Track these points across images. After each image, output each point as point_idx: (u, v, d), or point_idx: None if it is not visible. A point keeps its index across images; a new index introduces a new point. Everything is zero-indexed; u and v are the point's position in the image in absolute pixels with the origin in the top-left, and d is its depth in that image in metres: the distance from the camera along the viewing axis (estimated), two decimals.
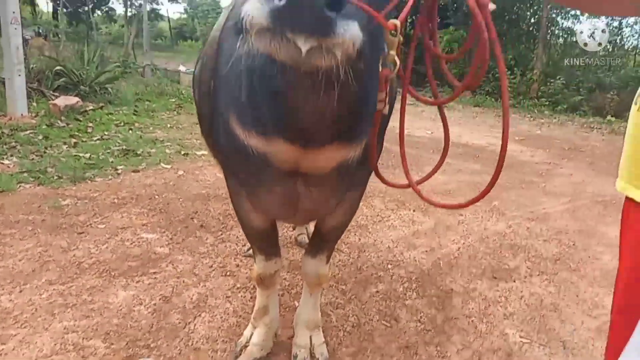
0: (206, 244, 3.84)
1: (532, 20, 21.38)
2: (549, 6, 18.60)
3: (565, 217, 5.27)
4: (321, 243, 2.48)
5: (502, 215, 5.17)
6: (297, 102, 1.58)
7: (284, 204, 2.05)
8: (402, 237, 4.33)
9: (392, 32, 1.16)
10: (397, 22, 1.16)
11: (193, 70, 2.95)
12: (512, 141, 9.89)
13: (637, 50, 19.48)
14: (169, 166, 5.96)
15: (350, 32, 0.94)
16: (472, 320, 3.07)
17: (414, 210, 5.02)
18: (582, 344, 2.92)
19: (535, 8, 21.16)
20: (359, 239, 4.17)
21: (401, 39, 1.24)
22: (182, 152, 6.65)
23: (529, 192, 6.18)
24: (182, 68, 15.18)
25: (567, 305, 3.37)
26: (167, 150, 6.67)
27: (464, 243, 4.32)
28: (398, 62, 1.29)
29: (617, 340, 1.41)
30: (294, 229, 4.07)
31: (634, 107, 1.59)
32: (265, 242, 2.40)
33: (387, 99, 1.49)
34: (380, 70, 1.37)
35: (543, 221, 5.09)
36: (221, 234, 4.03)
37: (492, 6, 1.20)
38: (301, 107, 1.60)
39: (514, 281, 3.68)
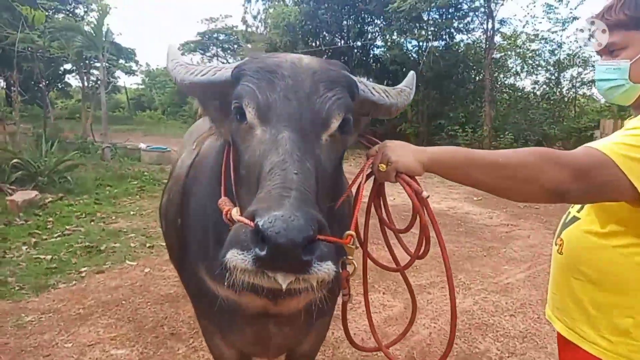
0: (178, 355, 3.77)
1: (477, 79, 22.74)
2: (490, 66, 19.88)
3: (527, 286, 5.46)
4: None
5: (468, 290, 5.32)
6: None
7: (256, 342, 2.10)
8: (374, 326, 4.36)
9: (349, 245, 1.28)
10: (352, 232, 1.29)
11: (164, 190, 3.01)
12: (470, 202, 10.27)
13: (576, 102, 20.90)
14: (134, 263, 5.86)
15: (325, 268, 1.06)
16: None
17: (383, 293, 5.10)
18: None
19: (478, 69, 22.55)
20: (332, 333, 4.18)
21: (358, 246, 1.39)
22: (147, 245, 6.57)
23: (491, 261, 6.39)
24: (142, 146, 15.18)
25: None
26: (132, 244, 6.57)
27: (434, 327, 4.40)
28: (355, 265, 1.43)
29: None
30: None
31: (554, 247, 1.78)
32: None
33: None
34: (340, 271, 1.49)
35: (507, 293, 5.26)
36: (193, 342, 3.97)
37: (425, 194, 1.36)
38: None
39: None
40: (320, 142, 1.35)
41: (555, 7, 19.77)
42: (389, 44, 23.24)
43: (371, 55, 25.72)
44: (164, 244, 5.98)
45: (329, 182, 1.42)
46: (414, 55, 22.21)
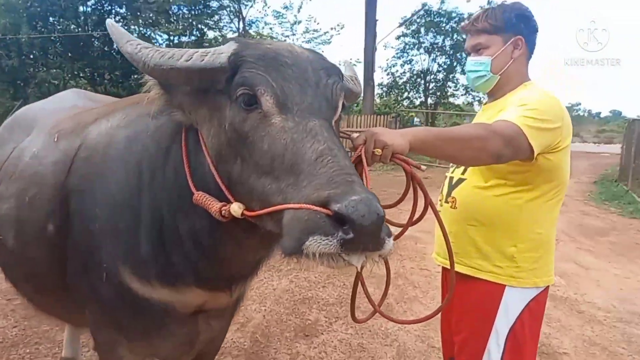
0: None
1: None
2: None
3: None
4: None
5: (279, 271, 5.67)
6: (238, 256, 1.64)
7: (185, 342, 1.98)
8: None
9: None
10: None
11: None
12: None
13: None
14: None
15: (390, 243, 1.15)
16: None
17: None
18: None
19: None
20: None
21: None
22: None
23: None
24: None
25: None
26: None
27: (265, 309, 4.60)
28: None
29: None
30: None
31: (445, 205, 2.23)
32: None
33: None
34: None
35: (313, 268, 5.82)
36: None
37: (423, 167, 1.56)
38: (238, 260, 1.67)
39: None
40: (333, 128, 1.39)
41: (282, 14, 22.36)
42: (135, 36, 21.89)
43: (115, 47, 23.77)
44: None
45: None
46: None
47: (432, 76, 27.76)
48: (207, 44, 22.44)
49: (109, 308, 1.86)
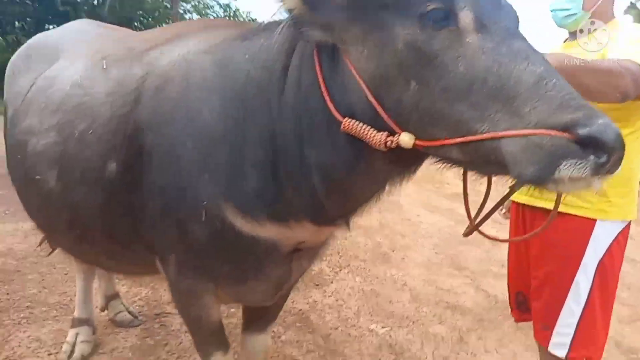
0: None
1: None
2: (176, 17, 19.63)
3: None
4: (273, 313, 2.24)
5: None
6: (367, 190, 1.48)
7: (274, 285, 1.86)
8: None
9: None
10: None
11: None
12: None
13: None
14: None
15: None
16: None
17: None
18: None
19: (161, 19, 21.90)
20: None
21: None
22: None
23: None
24: None
25: None
26: None
27: None
28: None
29: None
30: (103, 309, 3.24)
31: None
32: (222, 334, 2.03)
33: None
34: None
35: None
36: None
37: None
38: (364, 193, 1.51)
39: None
40: None
41: None
42: None
43: None
44: None
45: None
46: None
47: None
48: None
49: (202, 251, 1.65)
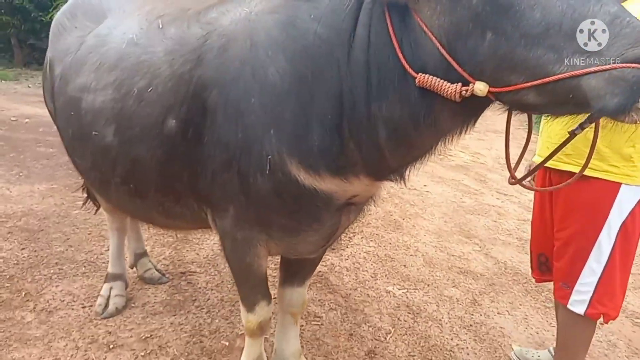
0: None
1: None
2: None
3: None
4: (309, 268, 2.35)
5: None
6: (428, 143, 1.56)
7: (325, 236, 1.96)
8: None
9: None
10: None
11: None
12: None
13: None
14: None
15: None
16: None
17: None
18: None
19: None
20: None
21: None
22: None
23: None
24: None
25: None
26: None
27: None
28: None
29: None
30: (132, 267, 3.34)
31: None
32: (267, 285, 2.16)
33: None
34: None
35: None
36: None
37: None
38: (425, 146, 1.58)
39: None
40: None
41: None
42: None
43: None
44: None
45: None
46: None
47: None
48: None
49: (262, 202, 1.74)
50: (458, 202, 5.92)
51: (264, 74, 1.58)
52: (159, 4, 2.08)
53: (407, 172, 1.68)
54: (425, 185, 6.40)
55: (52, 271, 3.28)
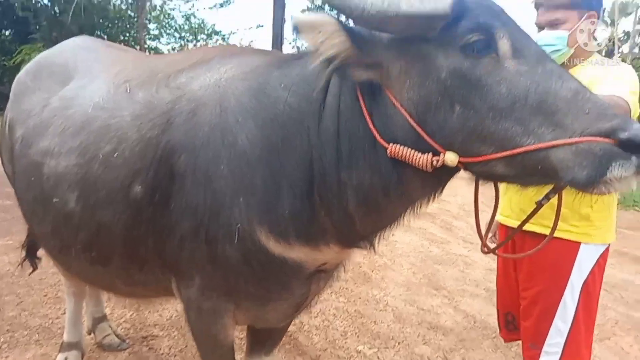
0: None
1: (124, 38, 21.87)
2: (144, 26, 19.36)
3: None
4: (278, 335, 2.29)
5: None
6: (399, 210, 1.59)
7: (294, 305, 1.92)
8: None
9: None
10: None
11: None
12: None
13: None
14: None
15: None
16: None
17: None
18: None
19: (126, 26, 21.56)
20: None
21: None
22: None
23: None
24: None
25: None
26: None
27: None
28: None
29: None
30: (90, 333, 3.17)
31: None
32: (232, 356, 2.05)
33: None
34: None
35: None
36: None
37: None
38: (396, 213, 1.60)
39: None
40: None
41: None
42: None
43: None
44: None
45: None
46: (45, 1, 19.29)
47: None
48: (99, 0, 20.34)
49: (229, 271, 1.70)
50: (426, 252, 5.95)
51: (233, 140, 1.59)
52: (127, 66, 2.08)
53: (377, 239, 1.69)
54: (393, 235, 6.40)
55: (1, 340, 3.08)
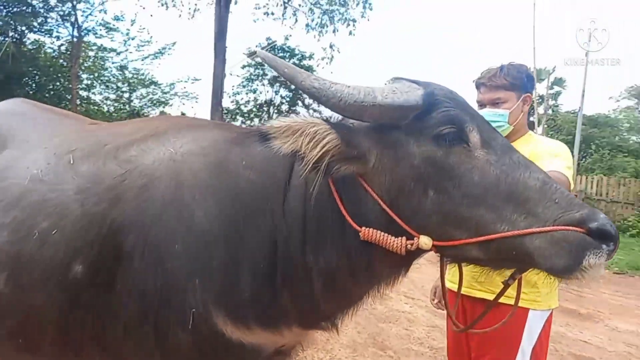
0: None
1: (55, 88, 21.02)
2: (76, 76, 18.80)
3: None
4: None
5: None
6: (365, 292, 1.58)
7: None
8: None
9: None
10: None
11: None
12: None
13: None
14: None
15: None
16: None
17: None
18: None
19: (56, 75, 20.85)
20: None
21: None
22: None
23: None
24: None
25: None
26: None
27: None
28: None
29: None
30: None
31: None
32: None
33: None
34: None
35: None
36: None
37: None
38: (361, 295, 1.60)
39: None
40: None
41: (115, 28, 21.29)
42: None
43: None
44: None
45: None
46: None
47: (275, 107, 28.66)
48: (30, 49, 19.60)
49: (183, 358, 1.58)
50: (369, 309, 5.90)
51: (190, 217, 1.51)
52: (70, 136, 1.93)
53: (340, 319, 1.65)
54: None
55: None
